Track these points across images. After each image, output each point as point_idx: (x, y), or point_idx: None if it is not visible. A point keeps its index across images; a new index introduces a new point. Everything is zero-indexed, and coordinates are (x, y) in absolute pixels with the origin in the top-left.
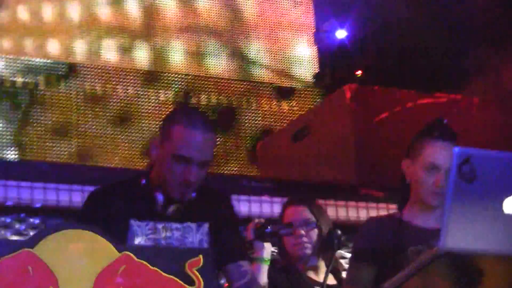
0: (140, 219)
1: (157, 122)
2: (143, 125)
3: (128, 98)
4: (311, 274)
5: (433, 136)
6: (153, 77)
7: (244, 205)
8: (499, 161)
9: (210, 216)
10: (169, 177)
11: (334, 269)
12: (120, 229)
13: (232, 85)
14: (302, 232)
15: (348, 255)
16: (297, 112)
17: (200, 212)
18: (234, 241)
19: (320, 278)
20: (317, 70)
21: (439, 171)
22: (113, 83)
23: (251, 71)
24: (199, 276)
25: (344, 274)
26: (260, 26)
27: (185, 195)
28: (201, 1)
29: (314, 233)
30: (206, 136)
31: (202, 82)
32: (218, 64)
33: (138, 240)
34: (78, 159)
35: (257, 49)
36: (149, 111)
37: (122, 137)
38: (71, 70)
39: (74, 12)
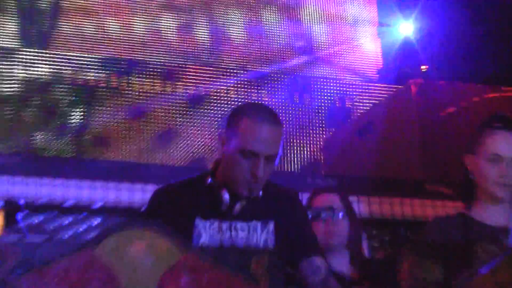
0: (206, 218)
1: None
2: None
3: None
4: (334, 265)
5: (494, 127)
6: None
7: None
8: None
9: (276, 213)
10: (237, 173)
11: (359, 262)
12: (185, 228)
13: (296, 81)
14: (340, 218)
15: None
16: (361, 107)
17: (266, 210)
18: (306, 237)
19: (343, 269)
20: (381, 66)
21: (502, 162)
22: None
23: (313, 66)
24: (264, 276)
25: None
26: (323, 21)
27: (252, 192)
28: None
29: (347, 223)
30: (273, 130)
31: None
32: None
33: (203, 240)
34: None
35: (319, 44)
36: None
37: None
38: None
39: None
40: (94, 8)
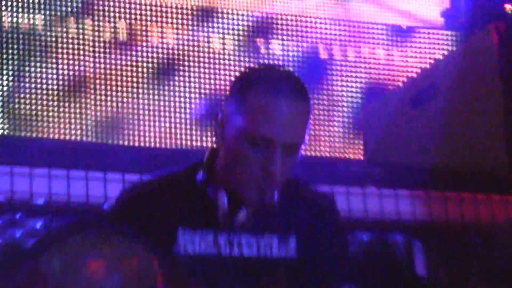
0: (193, 228)
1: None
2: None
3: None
4: None
5: None
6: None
7: (341, 200)
8: None
9: (300, 226)
10: (242, 169)
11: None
12: (164, 243)
13: (331, 28)
14: None
15: None
16: (418, 65)
17: (284, 220)
18: (342, 260)
19: None
20: (447, 6)
21: None
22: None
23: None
24: None
25: None
26: None
27: (265, 197)
28: None
29: None
30: (297, 108)
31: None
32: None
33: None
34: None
35: None
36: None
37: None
38: None
39: None
40: None
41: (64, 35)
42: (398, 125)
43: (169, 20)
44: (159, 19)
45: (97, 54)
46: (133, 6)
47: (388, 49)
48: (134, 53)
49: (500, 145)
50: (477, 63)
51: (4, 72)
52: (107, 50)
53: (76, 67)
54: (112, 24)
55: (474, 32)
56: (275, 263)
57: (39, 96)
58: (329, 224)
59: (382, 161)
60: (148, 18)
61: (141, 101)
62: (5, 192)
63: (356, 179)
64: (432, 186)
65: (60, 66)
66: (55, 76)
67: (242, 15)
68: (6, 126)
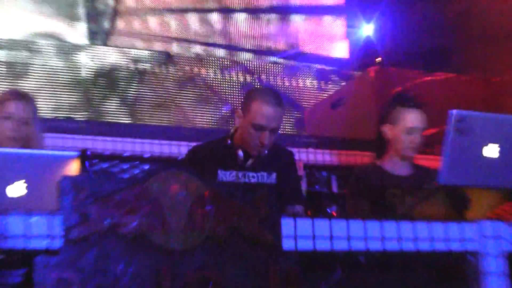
0: (226, 169)
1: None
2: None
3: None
4: None
5: (408, 106)
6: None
7: (296, 154)
8: (481, 120)
9: (277, 168)
10: (249, 140)
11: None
12: (210, 177)
13: (283, 67)
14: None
15: None
16: (335, 87)
17: (270, 164)
18: (294, 189)
19: None
20: (348, 58)
21: (415, 133)
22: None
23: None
24: (264, 207)
25: None
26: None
27: (260, 153)
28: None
29: None
30: (276, 110)
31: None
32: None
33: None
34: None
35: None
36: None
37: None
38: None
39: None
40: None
41: None
42: (324, 116)
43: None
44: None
45: None
46: None
47: (319, 79)
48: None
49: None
50: (363, 86)
51: None
52: None
53: None
54: None
55: (361, 71)
56: (264, 186)
57: None
58: (290, 165)
59: (316, 134)
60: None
61: (202, 106)
62: (130, 151)
63: (304, 144)
64: (336, 147)
65: None
66: None
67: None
68: None
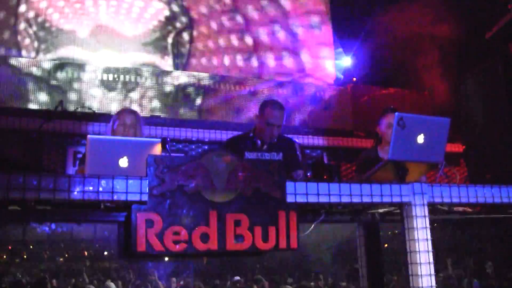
0: (250, 151)
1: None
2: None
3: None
4: None
5: (390, 112)
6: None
7: (300, 139)
8: (414, 119)
9: (283, 149)
10: (264, 133)
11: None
12: (241, 155)
13: (289, 86)
14: None
15: None
16: (324, 96)
17: (278, 147)
18: (295, 161)
19: None
20: (334, 78)
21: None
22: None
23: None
24: (275, 173)
25: None
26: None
27: (271, 140)
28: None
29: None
30: (281, 113)
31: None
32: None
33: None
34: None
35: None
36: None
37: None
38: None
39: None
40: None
41: None
42: (319, 115)
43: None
44: None
45: None
46: None
47: (313, 93)
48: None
49: (350, 121)
50: (343, 97)
51: None
52: None
53: None
54: None
55: (343, 87)
56: (275, 161)
57: None
58: (292, 147)
59: (314, 126)
60: None
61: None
62: (196, 137)
63: (304, 132)
64: (330, 134)
65: None
66: None
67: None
68: None
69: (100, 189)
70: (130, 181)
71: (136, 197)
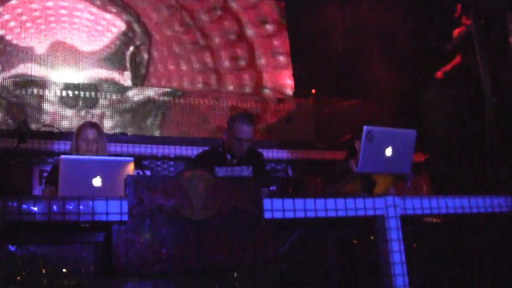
0: (219, 166)
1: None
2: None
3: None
4: None
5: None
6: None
7: (264, 153)
8: (382, 132)
9: (252, 163)
10: (233, 147)
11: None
12: (211, 171)
13: (250, 99)
14: None
15: None
16: (287, 108)
17: (247, 161)
18: (265, 176)
19: None
20: (294, 91)
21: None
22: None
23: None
24: (251, 191)
25: None
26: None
27: (240, 154)
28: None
29: None
30: (250, 127)
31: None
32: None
33: (220, 175)
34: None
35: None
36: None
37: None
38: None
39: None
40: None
41: None
42: (281, 128)
43: None
44: None
45: None
46: None
47: (276, 105)
48: None
49: (313, 133)
50: (304, 108)
51: None
52: None
53: None
54: None
55: (304, 98)
56: (244, 178)
57: None
58: (260, 161)
59: (278, 140)
60: None
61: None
62: (161, 153)
63: (268, 146)
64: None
65: None
66: None
67: None
68: None
69: (80, 209)
70: (110, 201)
71: (115, 217)
